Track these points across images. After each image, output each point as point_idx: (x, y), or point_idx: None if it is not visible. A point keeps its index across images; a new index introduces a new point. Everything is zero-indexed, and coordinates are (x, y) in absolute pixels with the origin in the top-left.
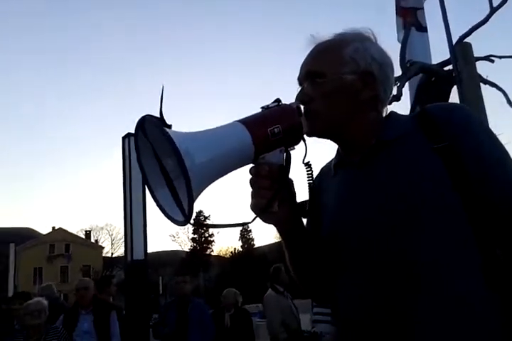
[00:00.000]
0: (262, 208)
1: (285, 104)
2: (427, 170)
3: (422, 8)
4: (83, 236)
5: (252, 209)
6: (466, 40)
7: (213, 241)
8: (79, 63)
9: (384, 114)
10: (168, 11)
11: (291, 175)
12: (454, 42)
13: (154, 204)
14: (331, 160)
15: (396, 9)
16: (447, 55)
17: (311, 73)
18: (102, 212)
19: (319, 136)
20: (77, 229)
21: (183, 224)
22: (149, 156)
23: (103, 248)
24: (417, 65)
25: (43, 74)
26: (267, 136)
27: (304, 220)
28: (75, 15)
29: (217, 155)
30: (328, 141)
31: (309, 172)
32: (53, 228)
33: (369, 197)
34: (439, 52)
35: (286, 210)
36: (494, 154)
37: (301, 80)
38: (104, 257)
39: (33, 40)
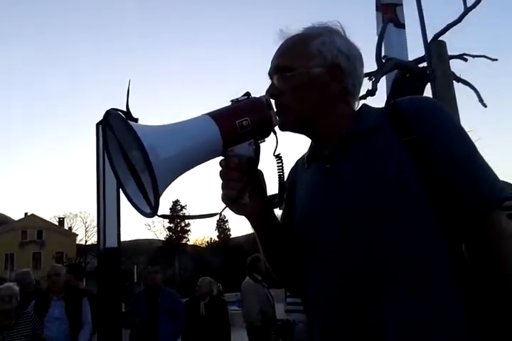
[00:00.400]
0: (231, 199)
1: (255, 97)
2: (396, 162)
3: (401, 5)
4: (56, 223)
5: (223, 201)
6: (440, 38)
7: (189, 230)
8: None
9: (356, 107)
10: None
11: (264, 168)
12: (429, 39)
13: (124, 196)
14: (305, 153)
15: (376, 5)
16: (423, 52)
17: (279, 67)
18: (76, 199)
19: (291, 130)
20: (50, 215)
21: (150, 216)
22: (118, 149)
23: (77, 235)
24: (393, 61)
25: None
26: (235, 128)
27: (278, 214)
28: None
29: (184, 149)
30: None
31: (280, 164)
32: (26, 214)
33: (338, 191)
34: (414, 49)
35: (256, 202)
36: (464, 149)
37: (271, 74)
38: (77, 245)
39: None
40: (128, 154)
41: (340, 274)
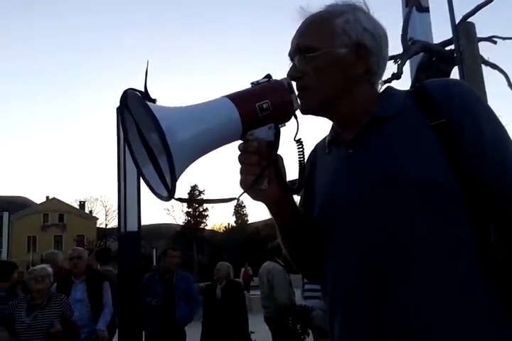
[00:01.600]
0: (249, 184)
1: (275, 80)
2: (423, 148)
3: None
4: (77, 207)
5: (241, 186)
6: (469, 19)
7: (207, 215)
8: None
9: (380, 89)
10: None
11: (284, 153)
12: (457, 21)
13: (142, 179)
14: (326, 137)
15: None
16: (450, 35)
17: (301, 47)
18: (96, 183)
19: (313, 113)
20: (71, 199)
21: (167, 199)
22: (135, 131)
23: (97, 219)
24: (419, 44)
25: None
26: (255, 111)
27: (297, 200)
28: None
29: (202, 132)
30: (322, 118)
31: (300, 149)
32: (47, 197)
33: (362, 177)
34: (441, 32)
35: (275, 188)
36: (493, 136)
37: (292, 56)
38: (98, 228)
39: None
40: (146, 136)
41: (364, 262)
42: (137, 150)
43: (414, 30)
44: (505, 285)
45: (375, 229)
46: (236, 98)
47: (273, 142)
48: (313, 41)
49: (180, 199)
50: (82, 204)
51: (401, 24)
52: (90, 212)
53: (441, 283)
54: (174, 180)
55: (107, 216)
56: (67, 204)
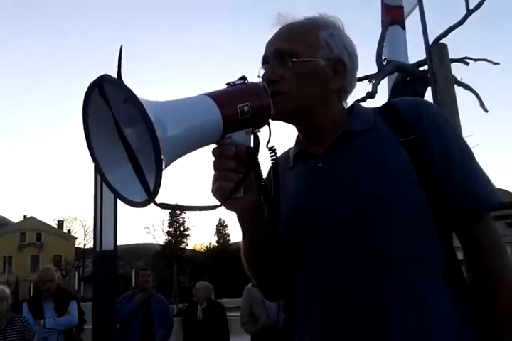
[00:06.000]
0: (228, 192)
1: (252, 82)
2: (394, 163)
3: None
4: (55, 226)
5: (216, 194)
6: (442, 41)
7: (188, 235)
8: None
9: (345, 106)
10: None
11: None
12: (430, 42)
13: (106, 187)
14: (289, 150)
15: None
16: (423, 55)
17: (283, 51)
18: (75, 202)
19: (285, 119)
20: (49, 218)
21: (143, 205)
22: (102, 126)
23: (75, 238)
24: (393, 64)
25: None
26: (235, 113)
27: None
28: None
29: (189, 128)
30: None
31: (273, 157)
32: (25, 216)
33: (333, 191)
34: (415, 52)
35: (253, 196)
36: (461, 155)
37: (268, 59)
38: (76, 248)
39: None
40: (123, 130)
41: (336, 275)
42: (104, 150)
43: (397, 47)
44: (474, 301)
45: (347, 249)
46: (217, 97)
47: (253, 147)
48: (297, 47)
49: (162, 205)
50: (60, 224)
51: (375, 44)
52: (69, 231)
53: (417, 304)
54: (159, 178)
55: (85, 236)
56: (45, 224)
